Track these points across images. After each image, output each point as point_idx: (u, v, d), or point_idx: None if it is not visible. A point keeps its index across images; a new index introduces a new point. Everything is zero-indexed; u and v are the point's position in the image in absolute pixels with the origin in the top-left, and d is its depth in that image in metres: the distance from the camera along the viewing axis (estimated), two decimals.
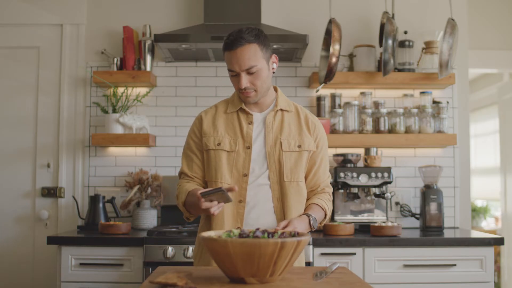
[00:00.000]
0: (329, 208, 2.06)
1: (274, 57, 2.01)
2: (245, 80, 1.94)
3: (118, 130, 3.24)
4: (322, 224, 2.09)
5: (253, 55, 1.91)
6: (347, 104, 3.31)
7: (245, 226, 1.96)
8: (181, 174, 2.07)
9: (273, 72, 2.02)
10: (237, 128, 2.01)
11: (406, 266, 2.76)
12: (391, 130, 3.31)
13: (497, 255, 5.29)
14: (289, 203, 1.98)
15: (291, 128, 2.03)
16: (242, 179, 1.96)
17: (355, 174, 3.09)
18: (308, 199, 2.06)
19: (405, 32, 3.39)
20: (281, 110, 2.05)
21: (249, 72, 1.92)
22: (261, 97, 2.01)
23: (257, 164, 1.98)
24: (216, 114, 2.06)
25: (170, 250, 2.70)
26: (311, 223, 1.94)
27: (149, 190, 3.21)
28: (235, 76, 1.96)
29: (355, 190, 3.14)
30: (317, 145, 2.06)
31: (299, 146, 2.01)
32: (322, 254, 2.75)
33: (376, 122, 3.31)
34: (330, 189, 2.12)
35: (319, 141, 2.07)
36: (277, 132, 2.01)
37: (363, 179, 3.10)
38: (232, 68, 1.93)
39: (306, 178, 2.06)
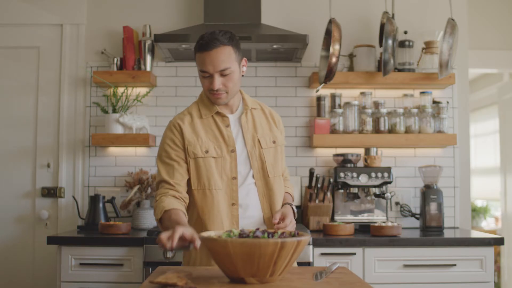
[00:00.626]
0: (293, 193, 2.31)
1: (244, 61, 2.04)
2: (218, 82, 1.94)
3: (118, 130, 3.24)
4: None
5: (227, 57, 1.93)
6: (347, 104, 3.31)
7: (242, 227, 1.98)
8: (161, 182, 1.99)
9: (242, 75, 2.05)
10: (217, 132, 2.02)
11: (406, 266, 2.76)
12: (391, 130, 3.31)
13: (497, 255, 5.29)
14: (275, 198, 2.04)
15: (262, 126, 2.09)
16: (232, 182, 1.99)
17: (355, 174, 3.09)
18: None
19: (405, 32, 3.39)
20: (251, 109, 2.10)
21: (222, 73, 1.94)
22: (231, 99, 2.03)
23: (241, 165, 2.01)
24: (192, 121, 2.04)
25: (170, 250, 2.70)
26: (295, 211, 2.06)
27: (149, 190, 3.21)
28: (207, 77, 1.95)
29: (355, 190, 3.14)
30: (284, 138, 2.19)
31: (274, 142, 2.08)
32: (322, 254, 2.75)
33: (376, 122, 3.31)
34: (288, 174, 2.31)
35: (284, 134, 2.20)
36: (253, 131, 2.06)
37: (363, 179, 3.10)
38: (206, 69, 1.93)
39: None
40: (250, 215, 2.01)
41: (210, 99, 2.02)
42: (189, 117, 2.04)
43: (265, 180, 2.03)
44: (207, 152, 1.98)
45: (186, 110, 2.09)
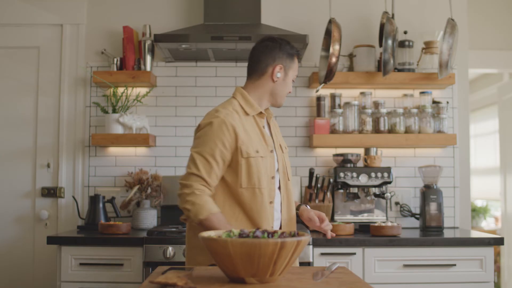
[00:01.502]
0: None
1: None
2: None
3: (118, 130, 3.24)
4: None
5: None
6: (347, 104, 3.31)
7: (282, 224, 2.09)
8: (196, 176, 1.95)
9: None
10: (258, 132, 2.07)
11: (406, 266, 2.76)
12: (391, 130, 3.31)
13: (497, 255, 5.29)
14: (291, 198, 2.15)
15: (279, 131, 2.24)
16: (271, 182, 2.05)
17: (355, 174, 3.09)
18: None
19: (405, 32, 3.39)
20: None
21: None
22: None
23: (276, 167, 2.10)
24: (239, 118, 2.03)
25: (170, 250, 2.71)
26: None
27: (149, 190, 3.21)
28: (293, 82, 2.15)
29: (355, 190, 3.14)
30: None
31: (285, 147, 2.22)
32: (322, 254, 2.75)
33: (376, 122, 3.31)
34: None
35: None
36: (276, 135, 2.17)
37: (363, 179, 3.10)
38: (297, 75, 2.17)
39: None
40: (277, 217, 2.08)
41: (281, 101, 2.13)
42: (236, 115, 2.03)
43: (285, 182, 2.12)
44: (257, 152, 2.01)
45: (229, 106, 2.05)
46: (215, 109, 2.05)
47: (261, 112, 2.09)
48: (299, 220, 2.23)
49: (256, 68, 2.10)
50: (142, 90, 3.40)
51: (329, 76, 3.11)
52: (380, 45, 3.33)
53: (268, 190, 2.02)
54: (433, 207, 3.13)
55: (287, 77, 2.11)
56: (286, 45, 2.12)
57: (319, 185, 3.12)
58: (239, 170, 1.98)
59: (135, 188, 3.18)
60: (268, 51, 2.09)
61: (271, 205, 2.03)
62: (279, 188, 2.09)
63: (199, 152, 1.97)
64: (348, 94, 3.42)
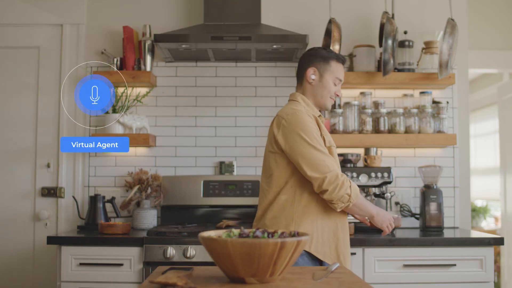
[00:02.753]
0: None
1: None
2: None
3: (118, 130, 3.24)
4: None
5: None
6: (347, 104, 3.31)
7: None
8: (339, 167, 2.20)
9: None
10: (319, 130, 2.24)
11: (406, 266, 2.76)
12: (391, 130, 3.31)
13: (497, 255, 5.29)
14: None
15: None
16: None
17: (355, 174, 3.09)
18: None
19: (405, 32, 3.39)
20: None
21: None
22: None
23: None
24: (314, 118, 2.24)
25: (170, 250, 2.71)
26: None
27: (149, 190, 3.21)
28: (337, 85, 2.31)
29: None
30: None
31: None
32: None
33: (376, 122, 3.31)
34: None
35: None
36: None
37: (363, 179, 3.10)
38: (342, 78, 2.32)
39: None
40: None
41: (327, 102, 2.30)
42: (307, 113, 2.23)
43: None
44: (330, 142, 2.23)
45: (298, 106, 2.24)
46: (290, 108, 2.23)
47: (320, 115, 2.30)
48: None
49: (298, 73, 2.35)
50: (142, 90, 3.40)
51: None
52: (380, 45, 3.33)
53: None
54: (433, 207, 3.13)
55: (323, 78, 2.28)
56: (322, 50, 2.33)
57: None
58: None
59: (135, 188, 3.18)
60: (305, 57, 2.34)
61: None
62: None
63: (314, 147, 2.11)
64: (348, 94, 3.42)
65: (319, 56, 2.30)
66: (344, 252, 2.23)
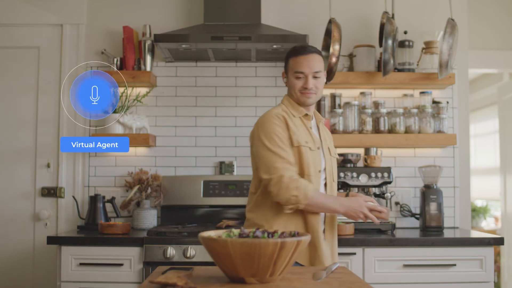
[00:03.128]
0: None
1: (324, 74, 2.31)
2: (311, 82, 2.21)
3: (118, 130, 3.24)
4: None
5: (320, 63, 2.25)
6: (347, 104, 3.31)
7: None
8: (287, 164, 2.12)
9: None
10: (305, 130, 2.24)
11: (406, 266, 2.76)
12: (391, 130, 3.31)
13: (497, 255, 5.29)
14: None
15: (329, 137, 2.39)
16: (317, 175, 2.20)
17: (355, 174, 3.09)
18: None
19: (405, 32, 3.39)
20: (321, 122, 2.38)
21: (315, 75, 2.22)
22: (315, 102, 2.29)
23: (323, 164, 2.26)
24: (288, 116, 2.23)
25: (170, 250, 2.71)
26: None
27: (149, 190, 3.21)
28: (300, 78, 2.22)
29: (355, 190, 3.14)
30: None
31: (335, 153, 2.38)
32: None
33: (376, 122, 3.31)
34: None
35: None
36: (325, 139, 2.32)
37: (363, 179, 3.10)
38: (302, 69, 2.21)
39: None
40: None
41: (299, 98, 2.24)
42: (285, 114, 2.24)
43: (331, 184, 2.27)
44: (306, 142, 2.20)
45: (278, 108, 2.26)
46: (268, 111, 2.27)
47: (307, 114, 2.26)
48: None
49: None
50: (142, 90, 3.40)
51: (329, 76, 3.11)
52: (380, 45, 3.33)
53: (316, 183, 2.18)
54: (433, 207, 3.13)
55: (288, 78, 2.28)
56: (287, 52, 2.31)
57: None
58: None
59: (135, 188, 3.18)
60: None
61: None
62: (325, 186, 2.26)
63: (271, 145, 2.14)
64: (348, 94, 3.42)
65: (284, 59, 2.32)
66: (315, 252, 2.17)
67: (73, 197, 3.27)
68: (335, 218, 2.30)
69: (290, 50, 2.29)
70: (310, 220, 2.17)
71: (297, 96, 2.24)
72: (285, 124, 2.19)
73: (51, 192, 3.37)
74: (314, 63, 2.22)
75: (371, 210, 2.16)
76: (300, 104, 2.26)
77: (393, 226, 3.03)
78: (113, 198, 3.21)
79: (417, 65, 3.35)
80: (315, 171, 2.19)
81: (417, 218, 3.26)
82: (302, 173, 2.17)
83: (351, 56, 3.38)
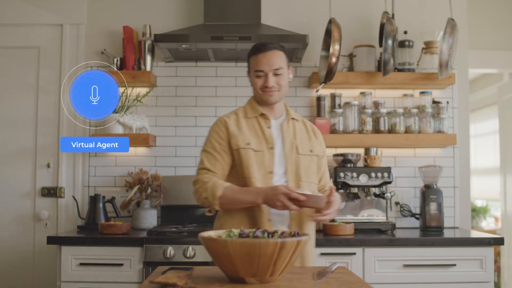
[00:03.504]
0: None
1: (291, 69, 2.25)
2: (272, 80, 2.15)
3: (118, 130, 3.24)
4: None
5: (280, 59, 2.18)
6: (347, 104, 3.31)
7: (272, 219, 2.10)
8: (203, 169, 2.16)
9: (289, 82, 2.25)
10: (259, 131, 2.19)
11: (406, 266, 2.76)
12: (391, 130, 3.31)
13: (497, 255, 5.29)
14: None
15: (302, 136, 2.25)
16: (268, 176, 2.12)
17: (355, 174, 3.09)
18: None
19: (405, 32, 3.39)
20: (293, 119, 2.26)
21: (275, 73, 2.16)
22: (279, 100, 2.21)
23: (277, 165, 2.16)
24: (237, 118, 2.23)
25: (170, 250, 2.71)
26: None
27: (149, 190, 3.21)
28: (261, 76, 2.17)
29: (355, 190, 3.14)
30: (323, 150, 2.32)
31: (311, 151, 2.23)
32: (322, 254, 2.75)
33: (376, 122, 3.31)
34: None
35: (323, 147, 2.33)
36: (292, 137, 2.21)
37: (363, 179, 3.10)
38: (262, 68, 2.16)
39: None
40: (279, 212, 2.10)
41: (261, 97, 2.19)
42: (235, 116, 2.24)
43: (297, 184, 2.14)
44: (248, 144, 2.14)
45: (233, 111, 2.28)
46: None
47: (262, 114, 2.20)
48: None
49: None
50: (142, 90, 3.40)
51: (329, 76, 3.11)
52: (380, 45, 3.33)
53: (265, 184, 2.10)
54: (433, 207, 3.13)
55: (250, 77, 2.23)
56: (249, 51, 2.24)
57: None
58: (235, 162, 2.16)
59: (135, 188, 3.18)
60: None
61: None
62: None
63: (203, 148, 2.21)
64: (348, 94, 3.42)
65: (247, 58, 2.26)
66: None
67: (73, 197, 3.27)
68: (303, 214, 2.13)
69: (250, 49, 2.23)
70: (256, 214, 2.10)
71: (259, 95, 2.19)
72: (225, 128, 2.18)
73: (51, 192, 3.37)
74: (274, 60, 2.15)
75: (290, 198, 1.95)
76: (263, 103, 2.21)
77: (393, 226, 3.03)
78: (113, 198, 3.21)
79: (417, 65, 3.35)
80: (263, 173, 2.11)
81: (417, 218, 3.26)
82: (243, 176, 2.12)
83: (351, 56, 3.38)
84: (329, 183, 2.35)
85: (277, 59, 2.16)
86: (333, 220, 3.16)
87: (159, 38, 3.02)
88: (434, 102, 3.34)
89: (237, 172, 2.16)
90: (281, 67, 2.16)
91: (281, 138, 2.19)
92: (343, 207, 2.32)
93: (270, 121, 2.21)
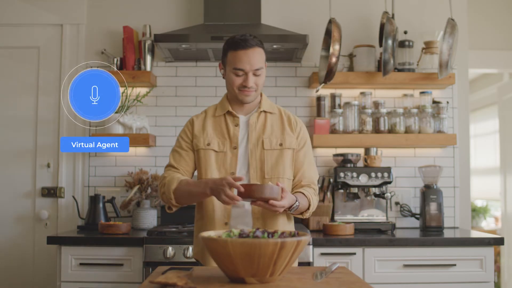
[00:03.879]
0: (313, 201, 2.09)
1: (265, 65, 2.13)
2: (251, 80, 2.05)
3: (118, 130, 3.24)
4: (305, 216, 2.09)
5: (261, 58, 2.08)
6: (347, 104, 3.31)
7: (232, 222, 2.05)
8: (168, 166, 2.16)
9: None
10: (224, 130, 2.12)
11: (406, 266, 2.76)
12: (391, 130, 3.31)
13: (497, 255, 5.29)
14: None
15: (273, 128, 2.14)
16: None
17: (355, 174, 3.09)
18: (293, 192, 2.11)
19: (405, 32, 3.39)
20: (264, 112, 2.16)
21: (255, 73, 2.05)
22: (254, 99, 2.12)
23: (241, 163, 2.08)
24: (205, 118, 2.18)
25: (170, 250, 2.71)
26: (294, 204, 1.97)
27: (149, 190, 3.21)
28: (240, 75, 2.06)
29: (355, 190, 3.14)
30: (299, 143, 2.15)
31: (281, 144, 2.11)
32: (322, 254, 2.75)
33: (376, 122, 3.31)
34: (316, 186, 2.16)
35: (301, 139, 2.16)
36: (259, 131, 2.12)
37: (363, 179, 3.10)
38: (242, 67, 2.04)
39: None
40: (238, 214, 2.05)
41: (237, 96, 2.09)
42: (203, 115, 2.19)
43: (261, 181, 2.06)
44: (208, 145, 2.10)
45: (205, 109, 2.22)
46: None
47: (229, 112, 2.13)
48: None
49: None
50: (142, 90, 3.40)
51: (329, 76, 3.11)
52: (380, 45, 3.33)
53: None
54: (433, 207, 3.13)
55: (225, 72, 2.11)
56: (227, 41, 2.10)
57: (319, 185, 3.11)
58: (196, 163, 2.15)
59: (135, 188, 3.18)
60: None
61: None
62: None
63: (172, 149, 2.19)
64: (348, 94, 3.42)
65: (223, 49, 2.11)
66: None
67: (73, 197, 3.27)
68: (266, 213, 2.01)
69: (229, 40, 2.08)
70: (217, 214, 2.04)
71: (234, 93, 2.08)
72: (191, 128, 2.16)
73: (51, 192, 3.37)
74: (255, 59, 2.03)
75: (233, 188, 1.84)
76: (237, 101, 2.11)
77: (393, 226, 3.03)
78: (113, 198, 3.21)
79: (417, 65, 3.35)
80: (224, 174, 2.05)
81: (417, 218, 3.26)
82: (201, 177, 2.08)
83: (351, 56, 3.38)
84: (307, 178, 2.13)
85: (258, 58, 2.05)
86: (333, 220, 3.16)
87: (159, 38, 3.02)
88: (434, 102, 3.34)
89: (197, 174, 2.13)
90: (261, 67, 2.06)
91: (247, 135, 2.10)
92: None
93: (239, 118, 2.12)
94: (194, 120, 2.18)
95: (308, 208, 2.08)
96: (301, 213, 2.08)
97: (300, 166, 2.14)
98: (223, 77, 2.14)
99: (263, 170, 2.07)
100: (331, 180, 3.14)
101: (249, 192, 1.82)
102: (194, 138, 2.13)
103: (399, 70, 3.32)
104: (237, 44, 2.04)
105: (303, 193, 2.06)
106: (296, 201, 1.98)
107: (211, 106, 2.22)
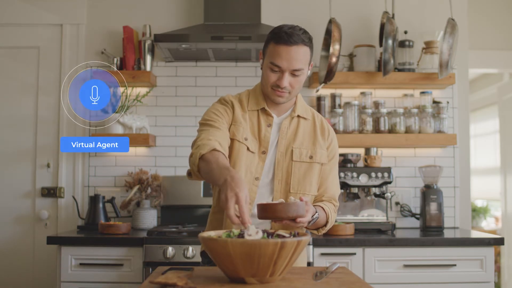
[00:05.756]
0: (331, 218, 1.92)
1: (311, 65, 1.92)
2: (286, 80, 1.83)
3: (118, 130, 3.24)
4: (320, 232, 1.94)
5: (304, 57, 1.83)
6: (347, 104, 3.31)
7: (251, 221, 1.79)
8: (201, 131, 1.85)
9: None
10: (256, 129, 1.91)
11: (406, 266, 2.76)
12: (391, 130, 3.31)
13: (497, 255, 5.29)
14: None
15: (305, 137, 1.94)
16: (253, 182, 1.87)
17: (355, 174, 3.09)
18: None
19: (405, 32, 3.39)
20: (298, 116, 1.96)
21: (293, 73, 1.83)
22: (287, 102, 1.91)
23: (266, 171, 1.90)
24: (241, 107, 1.93)
25: (170, 250, 2.70)
26: (314, 215, 1.79)
27: (149, 190, 3.21)
28: (276, 72, 1.84)
29: (355, 190, 3.14)
30: (328, 155, 1.97)
31: (311, 157, 1.92)
32: (322, 254, 2.75)
33: (376, 122, 3.31)
34: (337, 203, 1.99)
35: (330, 152, 1.98)
36: (290, 139, 1.92)
37: (363, 179, 3.09)
38: (279, 63, 1.81)
39: None
40: (259, 221, 1.79)
41: (269, 95, 1.89)
42: (239, 103, 1.94)
43: (285, 194, 1.88)
44: (246, 139, 1.86)
45: (237, 94, 1.98)
46: None
47: (264, 109, 1.92)
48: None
49: None
50: (142, 90, 3.40)
51: (329, 76, 3.11)
52: (380, 45, 3.33)
53: (248, 189, 1.75)
54: (433, 207, 3.13)
55: (263, 64, 1.89)
56: (271, 30, 1.87)
57: None
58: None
59: (135, 188, 3.18)
60: None
61: (249, 206, 1.72)
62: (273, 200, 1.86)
63: (201, 122, 1.90)
64: (348, 94, 3.42)
65: (267, 38, 1.87)
66: None
67: (73, 197, 3.27)
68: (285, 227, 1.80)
69: (275, 29, 1.84)
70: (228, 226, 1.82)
71: (267, 90, 1.88)
72: (231, 109, 1.89)
73: (51, 192, 3.37)
74: (296, 59, 1.80)
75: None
76: (268, 97, 1.91)
77: (393, 226, 3.03)
78: (113, 198, 3.21)
79: (417, 65, 3.35)
80: (249, 176, 1.86)
81: (417, 218, 3.26)
82: None
83: (351, 56, 3.38)
84: (330, 194, 1.95)
85: (300, 58, 1.81)
86: None
87: (159, 38, 3.02)
88: (434, 102, 3.34)
89: None
90: (301, 68, 1.82)
91: (277, 139, 1.91)
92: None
93: (273, 118, 1.92)
94: (233, 101, 1.91)
95: (325, 225, 1.90)
96: (317, 229, 1.90)
97: (324, 181, 1.95)
98: (261, 68, 1.91)
99: (289, 183, 1.88)
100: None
101: (274, 213, 1.60)
102: (233, 123, 1.87)
103: (399, 70, 3.32)
104: (280, 37, 1.79)
105: (322, 208, 1.88)
106: (316, 212, 1.80)
107: (243, 93, 1.97)
